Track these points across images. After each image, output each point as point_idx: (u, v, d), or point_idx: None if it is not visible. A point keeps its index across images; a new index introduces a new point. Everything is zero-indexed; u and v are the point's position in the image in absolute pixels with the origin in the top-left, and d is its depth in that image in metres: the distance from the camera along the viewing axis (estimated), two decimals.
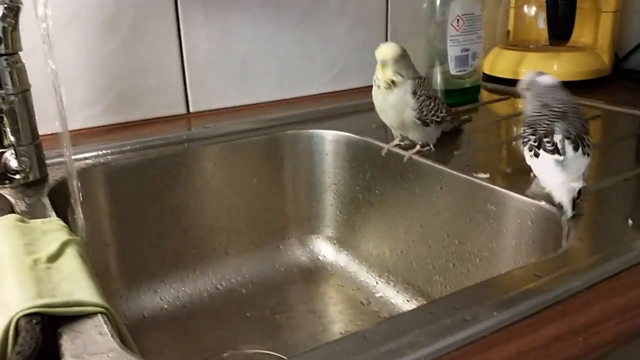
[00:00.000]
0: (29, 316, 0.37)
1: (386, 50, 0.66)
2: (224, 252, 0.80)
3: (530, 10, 1.04)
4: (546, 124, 0.56)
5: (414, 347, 0.33)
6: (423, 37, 0.93)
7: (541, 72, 0.62)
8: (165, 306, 0.73)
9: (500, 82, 1.01)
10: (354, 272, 0.79)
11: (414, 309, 0.38)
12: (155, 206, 0.74)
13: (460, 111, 0.83)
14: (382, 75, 0.66)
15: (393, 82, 0.66)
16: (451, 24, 0.87)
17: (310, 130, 0.81)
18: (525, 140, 0.57)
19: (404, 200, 0.70)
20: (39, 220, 0.52)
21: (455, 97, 0.90)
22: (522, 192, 0.57)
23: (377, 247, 0.76)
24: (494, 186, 0.59)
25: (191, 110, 0.88)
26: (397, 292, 0.72)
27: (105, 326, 0.37)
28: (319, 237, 0.85)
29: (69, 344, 0.36)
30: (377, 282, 0.75)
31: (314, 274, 0.81)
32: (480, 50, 0.91)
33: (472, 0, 0.88)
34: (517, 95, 0.95)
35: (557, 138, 0.55)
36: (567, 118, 0.57)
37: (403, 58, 0.67)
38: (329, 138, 0.80)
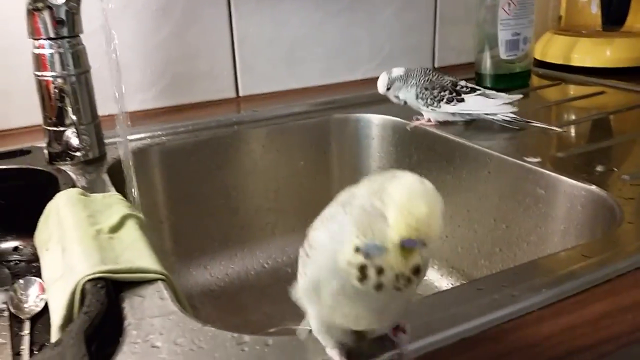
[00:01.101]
0: (94, 281, 0.39)
1: (430, 223, 0.26)
2: (270, 232, 0.82)
3: None
4: (439, 82, 0.72)
5: (464, 319, 0.34)
6: (472, 22, 0.92)
7: (384, 72, 0.74)
8: (215, 282, 0.76)
9: (551, 68, 0.99)
10: None
11: (462, 285, 0.39)
12: (206, 186, 0.76)
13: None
14: (399, 264, 0.27)
15: (418, 270, 0.27)
16: (502, 8, 0.86)
17: (357, 115, 0.82)
18: (438, 98, 0.71)
19: (450, 184, 0.71)
20: (99, 195, 0.55)
21: (505, 81, 0.89)
22: (573, 176, 0.56)
23: None
24: (544, 170, 0.58)
25: (240, 94, 0.90)
26: (442, 276, 0.73)
27: (165, 291, 0.39)
28: None
29: (132, 307, 0.38)
30: None
31: None
32: (532, 35, 0.89)
33: None
34: (569, 81, 0.94)
35: (462, 83, 0.73)
36: (441, 75, 0.74)
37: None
38: (376, 122, 0.80)
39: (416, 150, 0.75)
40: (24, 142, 0.71)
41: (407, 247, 0.26)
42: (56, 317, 0.40)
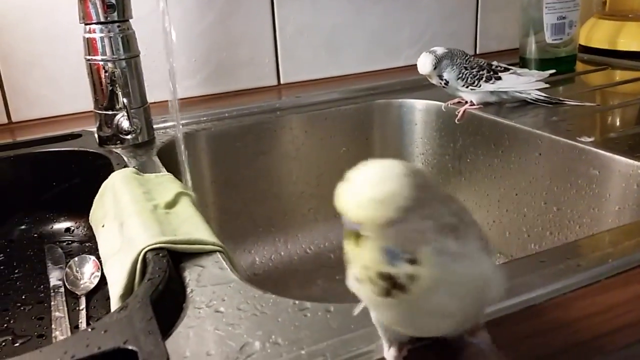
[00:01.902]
0: (154, 250, 0.39)
1: (364, 203, 0.23)
2: (312, 218, 0.82)
3: None
4: (476, 63, 0.72)
5: (530, 288, 0.33)
6: (514, 7, 0.91)
7: (427, 52, 0.72)
8: (259, 266, 0.76)
9: (596, 53, 0.97)
10: None
11: (524, 257, 0.38)
12: (250, 171, 0.76)
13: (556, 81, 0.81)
14: (353, 252, 0.24)
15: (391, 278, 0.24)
16: None
17: (400, 100, 0.81)
18: (478, 77, 0.71)
19: (497, 168, 0.70)
20: (152, 174, 0.56)
21: (550, 66, 0.86)
22: (628, 156, 0.55)
23: None
24: (598, 150, 0.57)
25: (282, 81, 0.90)
26: None
27: (224, 262, 0.40)
28: None
29: (194, 275, 0.38)
30: None
31: None
32: (577, 19, 0.88)
33: None
34: (615, 66, 0.92)
35: (496, 63, 0.74)
36: (472, 57, 0.74)
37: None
38: (419, 107, 0.80)
39: (462, 135, 0.74)
40: (73, 128, 0.72)
41: (347, 228, 0.24)
42: (116, 288, 0.41)
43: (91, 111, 0.78)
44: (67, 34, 0.76)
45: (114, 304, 0.40)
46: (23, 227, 0.62)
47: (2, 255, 0.59)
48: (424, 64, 0.71)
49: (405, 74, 0.93)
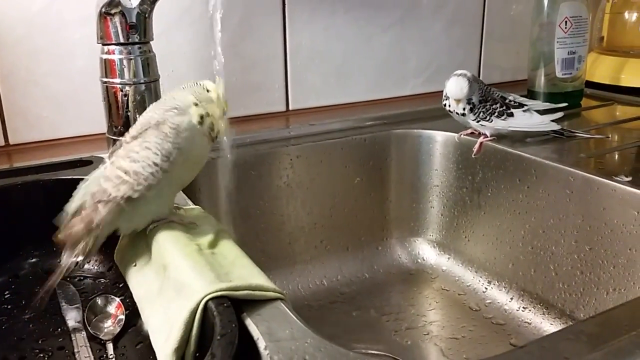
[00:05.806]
0: (217, 299, 0.36)
1: None
2: (324, 250, 0.79)
3: (632, 16, 1.01)
4: (491, 96, 0.70)
5: None
6: (517, 41, 0.91)
7: (457, 75, 0.69)
8: None
9: (599, 88, 0.98)
10: (459, 277, 0.77)
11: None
12: (262, 201, 0.73)
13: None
14: None
15: None
16: (559, 26, 0.85)
17: (419, 130, 0.79)
18: (490, 111, 0.69)
19: (522, 204, 0.68)
20: (180, 208, 0.52)
21: (558, 100, 0.87)
22: None
23: (486, 252, 0.74)
24: (637, 190, 0.57)
25: (290, 108, 0.88)
26: (512, 299, 0.70)
27: (290, 313, 0.37)
28: (417, 240, 0.83)
29: (262, 328, 0.35)
30: (486, 288, 0.73)
31: (414, 276, 0.80)
32: (585, 54, 0.89)
33: (580, 3, 0.85)
34: (620, 102, 0.93)
35: (511, 97, 0.72)
36: (488, 86, 0.72)
37: None
38: (438, 138, 0.78)
39: (482, 168, 0.73)
40: (76, 152, 0.68)
41: None
42: (164, 337, 0.37)
43: (96, 134, 0.74)
44: (72, 52, 0.71)
45: (165, 355, 0.36)
46: (33, 260, 0.57)
47: (7, 292, 0.54)
48: (462, 88, 0.68)
49: (412, 104, 0.92)
